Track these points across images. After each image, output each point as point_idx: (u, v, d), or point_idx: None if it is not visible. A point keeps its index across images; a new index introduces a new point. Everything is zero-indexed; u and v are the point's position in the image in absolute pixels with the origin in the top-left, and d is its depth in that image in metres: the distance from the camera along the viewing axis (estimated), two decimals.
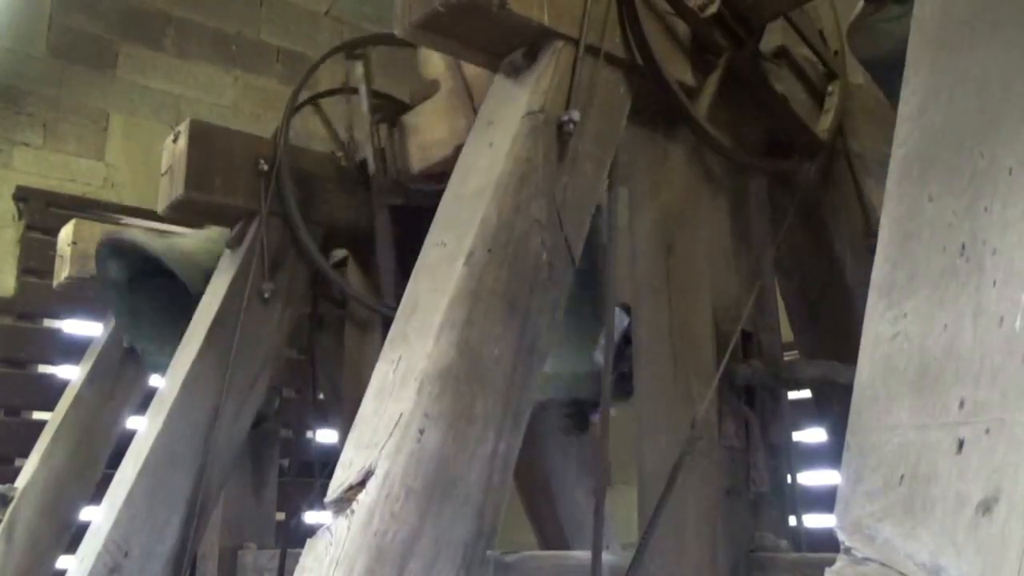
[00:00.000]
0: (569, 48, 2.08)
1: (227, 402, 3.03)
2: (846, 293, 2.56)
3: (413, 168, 3.22)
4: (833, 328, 2.62)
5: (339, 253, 3.77)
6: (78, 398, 4.04)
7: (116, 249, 3.68)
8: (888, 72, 1.99)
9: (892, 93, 1.95)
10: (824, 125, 2.62)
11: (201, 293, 3.29)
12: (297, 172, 3.32)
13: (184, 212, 3.30)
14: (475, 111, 2.18)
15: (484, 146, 2.04)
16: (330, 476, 1.76)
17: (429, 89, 3.17)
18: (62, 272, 4.15)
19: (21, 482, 3.93)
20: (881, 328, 1.25)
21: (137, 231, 3.80)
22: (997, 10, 1.32)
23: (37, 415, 5.14)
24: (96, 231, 4.12)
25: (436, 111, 3.10)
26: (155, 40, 6.17)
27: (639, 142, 2.48)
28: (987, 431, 1.07)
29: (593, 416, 3.42)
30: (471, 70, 2.76)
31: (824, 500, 1.69)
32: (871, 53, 2.28)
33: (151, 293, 3.79)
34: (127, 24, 6.06)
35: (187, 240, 3.60)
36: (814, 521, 2.74)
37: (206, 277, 3.33)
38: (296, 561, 1.71)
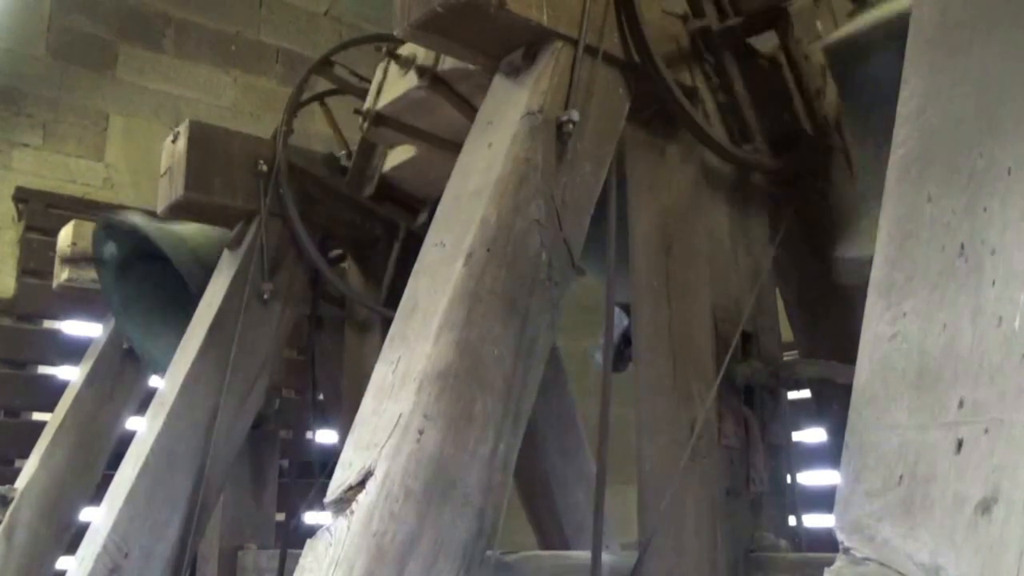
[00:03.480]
0: (568, 48, 2.08)
1: (227, 402, 3.03)
2: (845, 293, 2.56)
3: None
4: (832, 328, 2.62)
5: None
6: (78, 399, 4.04)
7: (113, 229, 3.69)
8: None
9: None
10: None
11: (196, 281, 3.27)
12: (296, 173, 3.32)
13: (184, 213, 3.31)
14: None
15: (483, 146, 2.04)
16: (330, 476, 1.76)
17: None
18: (62, 273, 4.15)
19: (21, 483, 3.93)
20: (880, 328, 1.25)
21: (136, 214, 3.79)
22: (995, 11, 1.32)
23: (37, 416, 5.14)
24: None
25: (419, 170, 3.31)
26: (155, 41, 6.17)
27: (638, 142, 2.48)
28: (986, 431, 1.08)
29: None
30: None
31: (824, 500, 1.68)
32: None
33: (145, 279, 3.76)
34: (127, 25, 6.06)
35: (185, 228, 3.61)
36: (814, 521, 2.74)
37: (201, 265, 3.32)
38: (296, 561, 1.71)
